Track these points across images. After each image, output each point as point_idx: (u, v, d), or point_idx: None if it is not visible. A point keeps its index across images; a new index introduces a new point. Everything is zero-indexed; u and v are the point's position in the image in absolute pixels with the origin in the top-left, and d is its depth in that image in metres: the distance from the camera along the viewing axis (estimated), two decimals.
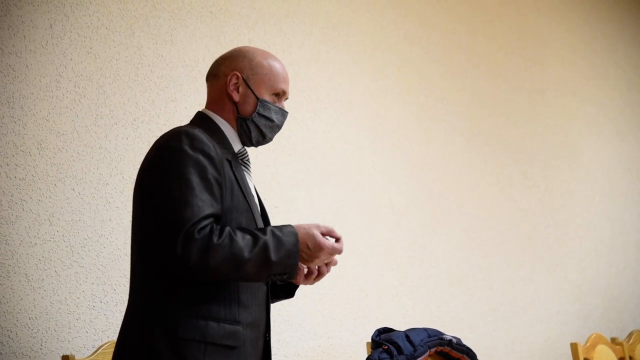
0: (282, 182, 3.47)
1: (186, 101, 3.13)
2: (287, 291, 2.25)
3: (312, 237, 1.97)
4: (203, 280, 1.89)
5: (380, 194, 3.88)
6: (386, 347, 2.78)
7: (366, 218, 3.78)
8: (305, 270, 2.11)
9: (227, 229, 1.88)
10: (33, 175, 2.69)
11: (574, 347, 3.42)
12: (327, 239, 2.00)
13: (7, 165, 2.63)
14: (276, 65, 2.18)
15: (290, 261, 1.93)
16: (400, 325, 3.17)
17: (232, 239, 1.86)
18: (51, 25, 2.80)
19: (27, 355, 2.58)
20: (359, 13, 3.97)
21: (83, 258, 2.76)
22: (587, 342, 3.58)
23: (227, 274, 1.87)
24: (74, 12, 2.87)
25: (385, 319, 3.64)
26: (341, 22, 3.86)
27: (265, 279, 1.95)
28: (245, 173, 2.12)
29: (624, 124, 5.69)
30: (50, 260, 2.68)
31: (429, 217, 4.11)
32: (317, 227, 1.99)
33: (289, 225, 1.98)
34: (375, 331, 2.90)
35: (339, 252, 2.01)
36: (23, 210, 2.65)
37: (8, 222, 2.61)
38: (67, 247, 2.73)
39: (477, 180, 4.44)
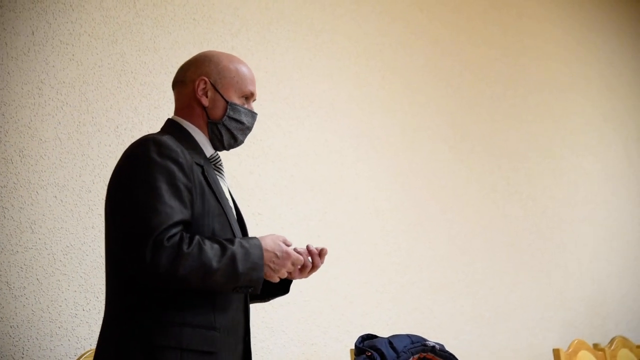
0: (266, 189, 3.46)
1: (169, 108, 3.12)
2: (283, 287, 2.24)
3: (279, 246, 1.99)
4: (171, 288, 1.88)
5: (364, 200, 3.89)
6: (369, 353, 2.78)
7: (350, 225, 3.79)
8: (299, 265, 2.10)
9: (197, 237, 1.88)
10: (15, 183, 2.67)
11: (556, 352, 3.43)
12: None
13: None
14: (242, 68, 2.18)
15: (256, 274, 1.92)
16: (384, 332, 3.17)
17: (201, 248, 1.85)
18: (33, 32, 2.79)
19: None
20: (343, 20, 3.98)
21: (65, 266, 2.75)
22: (569, 347, 3.59)
23: (196, 283, 1.86)
24: (57, 19, 2.86)
25: (369, 326, 3.64)
26: (325, 29, 3.87)
27: (232, 290, 1.94)
28: (218, 177, 2.12)
29: (607, 132, 5.73)
30: (32, 268, 2.67)
31: (414, 223, 4.12)
32: (278, 237, 2.02)
33: (255, 238, 1.99)
34: (359, 338, 2.89)
35: (301, 262, 2.04)
36: (4, 217, 2.64)
37: None
38: (49, 254, 2.72)
39: (461, 187, 4.46)
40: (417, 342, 2.96)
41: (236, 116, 2.14)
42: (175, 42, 3.23)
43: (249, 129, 2.19)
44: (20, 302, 2.63)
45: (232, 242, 1.92)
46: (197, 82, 2.13)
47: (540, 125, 5.12)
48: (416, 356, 2.92)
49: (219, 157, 2.17)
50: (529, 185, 4.92)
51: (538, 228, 4.90)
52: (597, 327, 5.08)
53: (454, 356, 3.01)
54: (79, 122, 2.87)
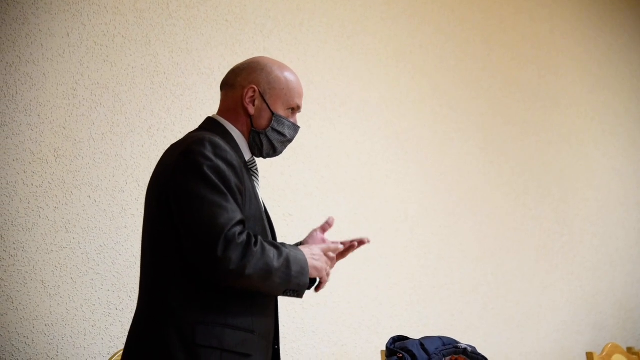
0: (297, 190, 3.47)
1: (202, 109, 3.14)
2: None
3: (314, 250, 2.07)
4: (232, 286, 1.89)
5: (394, 202, 3.88)
6: (401, 355, 2.77)
7: (380, 227, 3.78)
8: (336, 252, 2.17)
9: (259, 237, 1.92)
10: (50, 183, 2.70)
11: (589, 356, 3.39)
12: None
13: (24, 172, 2.65)
14: (292, 80, 2.19)
15: (303, 279, 1.97)
16: (415, 334, 3.16)
17: (264, 248, 1.89)
18: (68, 34, 2.82)
19: None
20: (374, 22, 3.97)
21: (99, 265, 2.78)
22: (603, 351, 3.54)
23: (257, 282, 1.89)
24: (91, 20, 2.89)
25: (399, 327, 3.63)
26: (356, 31, 3.87)
27: (282, 293, 1.97)
28: (255, 181, 2.13)
29: (638, 133, 5.67)
30: (67, 267, 2.70)
31: (444, 226, 4.10)
32: (312, 248, 2.10)
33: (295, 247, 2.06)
34: (390, 339, 2.89)
35: (337, 249, 2.16)
36: (39, 217, 2.67)
37: (25, 229, 2.62)
38: (83, 254, 2.74)
39: (491, 189, 4.43)
40: (449, 344, 2.94)
41: (280, 128, 2.14)
42: (208, 43, 3.25)
43: (289, 141, 2.20)
44: (55, 300, 2.66)
45: (283, 245, 1.98)
46: (246, 90, 2.13)
47: (571, 127, 5.08)
48: (448, 358, 2.91)
49: (256, 162, 2.18)
50: (560, 188, 4.88)
51: (570, 230, 4.86)
52: (629, 331, 5.02)
53: (485, 358, 3.00)
54: (113, 123, 2.90)
